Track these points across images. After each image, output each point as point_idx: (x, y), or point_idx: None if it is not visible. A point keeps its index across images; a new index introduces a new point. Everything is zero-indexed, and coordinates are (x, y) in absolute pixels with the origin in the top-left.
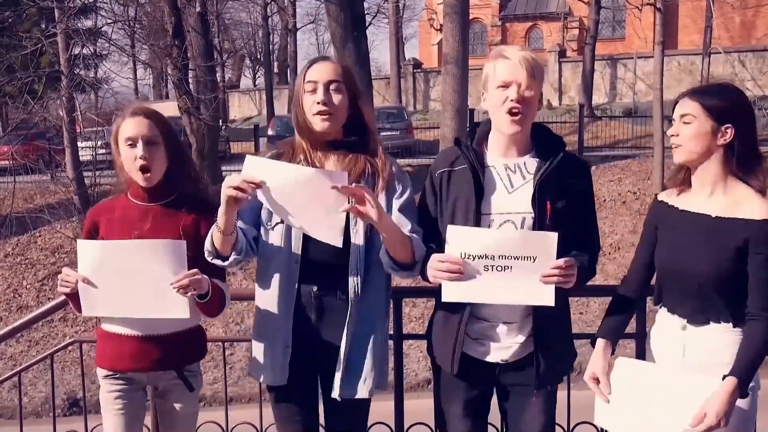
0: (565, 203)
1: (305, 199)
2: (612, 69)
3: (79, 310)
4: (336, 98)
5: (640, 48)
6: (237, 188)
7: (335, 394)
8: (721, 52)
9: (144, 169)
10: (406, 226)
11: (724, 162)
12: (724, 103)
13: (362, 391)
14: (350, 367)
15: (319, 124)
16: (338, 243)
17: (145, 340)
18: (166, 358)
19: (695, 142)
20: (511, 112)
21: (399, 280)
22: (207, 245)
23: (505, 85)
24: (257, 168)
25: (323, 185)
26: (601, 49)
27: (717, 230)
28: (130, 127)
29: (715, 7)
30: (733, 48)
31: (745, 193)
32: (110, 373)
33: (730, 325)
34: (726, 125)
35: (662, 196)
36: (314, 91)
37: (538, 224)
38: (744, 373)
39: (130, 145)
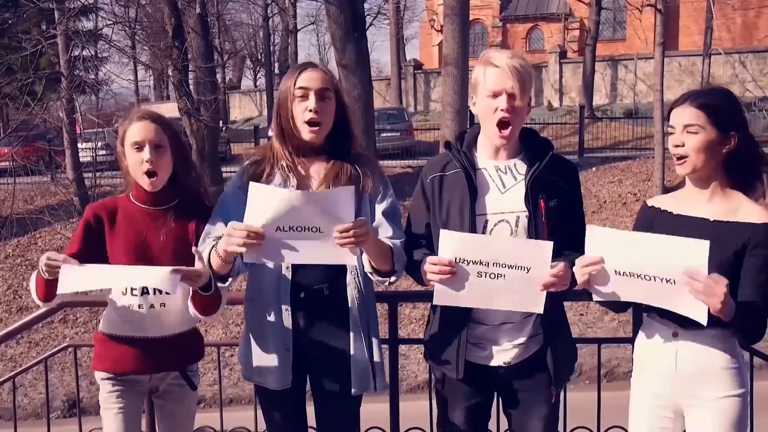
0: (557, 202)
1: (311, 222)
2: (612, 70)
3: (47, 295)
4: (326, 106)
5: (640, 49)
6: (243, 245)
7: (354, 390)
8: (721, 53)
9: (150, 174)
10: (387, 231)
11: (724, 169)
12: (726, 110)
13: (380, 385)
14: (361, 362)
15: (307, 132)
16: (353, 261)
17: (149, 343)
18: (169, 360)
19: (703, 153)
20: (500, 123)
21: (396, 284)
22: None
23: (495, 95)
24: (262, 196)
25: (330, 205)
26: (602, 50)
27: (715, 234)
28: (138, 131)
29: (716, 8)
30: (734, 49)
31: (743, 200)
32: (111, 375)
33: (723, 325)
34: (730, 133)
35: (652, 202)
36: (305, 97)
37: (534, 222)
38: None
39: (137, 149)
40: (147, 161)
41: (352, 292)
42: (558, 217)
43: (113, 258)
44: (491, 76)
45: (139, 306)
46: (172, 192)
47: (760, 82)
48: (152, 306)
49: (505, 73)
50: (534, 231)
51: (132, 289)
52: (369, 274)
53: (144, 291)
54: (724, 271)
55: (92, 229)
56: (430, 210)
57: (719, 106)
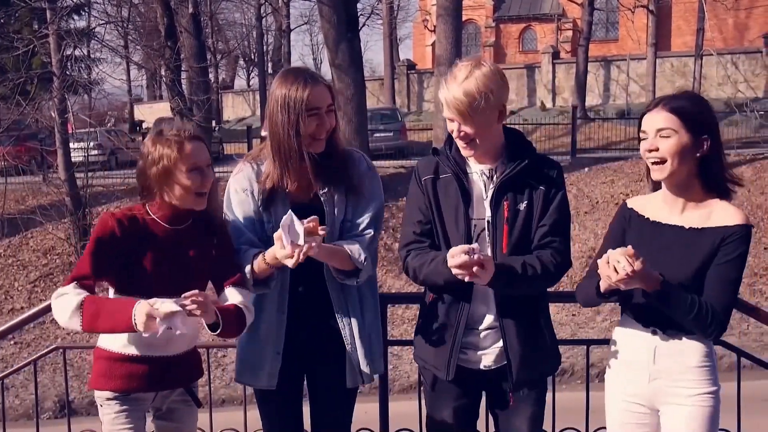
0: (528, 205)
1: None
2: (605, 70)
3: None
4: (331, 121)
5: (633, 49)
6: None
7: (350, 383)
8: (713, 54)
9: (204, 194)
10: (367, 230)
11: (696, 173)
12: (699, 114)
13: (365, 377)
14: (356, 356)
15: (316, 145)
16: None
17: (159, 360)
18: (176, 376)
19: (678, 157)
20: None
21: (388, 286)
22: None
23: (449, 119)
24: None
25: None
26: (595, 51)
27: (691, 241)
28: (197, 153)
29: (708, 9)
30: (726, 50)
31: (717, 203)
32: (117, 394)
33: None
34: (703, 137)
35: (631, 203)
36: (317, 116)
37: (492, 225)
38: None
39: (196, 171)
40: (206, 183)
41: (334, 290)
42: (529, 219)
43: (141, 276)
44: (443, 102)
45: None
46: (194, 210)
47: (752, 83)
48: (168, 327)
49: (449, 105)
50: (494, 235)
51: None
52: (336, 278)
53: None
54: (699, 276)
55: (116, 239)
56: (429, 208)
57: (692, 110)
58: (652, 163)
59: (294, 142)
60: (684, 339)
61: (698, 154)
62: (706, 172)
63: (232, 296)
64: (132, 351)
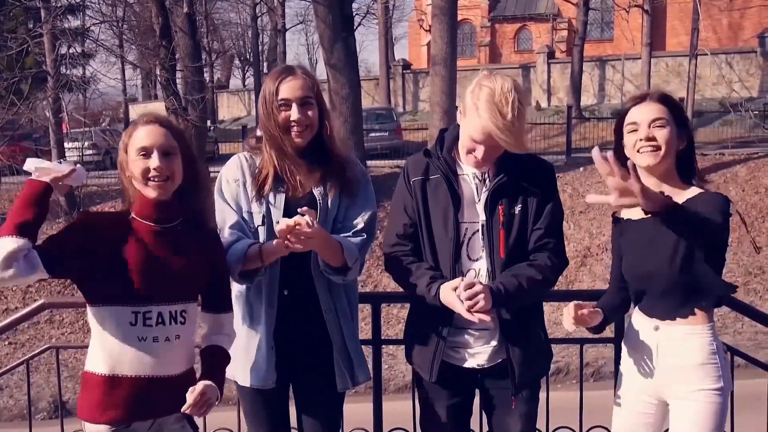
0: (522, 208)
1: None
2: (600, 70)
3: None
4: (308, 113)
5: (628, 49)
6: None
7: (340, 386)
8: (708, 54)
9: (158, 181)
10: (360, 234)
11: (674, 166)
12: (681, 110)
13: (361, 378)
14: (346, 357)
15: (294, 140)
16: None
17: (156, 382)
18: (174, 400)
19: (670, 146)
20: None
21: (383, 285)
22: (238, 271)
23: (475, 142)
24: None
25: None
26: (590, 51)
27: (676, 222)
28: (145, 135)
29: (703, 9)
30: (721, 49)
31: (687, 189)
32: (113, 429)
33: (700, 321)
34: (683, 130)
35: (617, 214)
36: (287, 107)
37: (488, 229)
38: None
39: (143, 155)
40: (155, 169)
41: (322, 291)
42: (525, 223)
43: (119, 276)
44: (476, 125)
45: (155, 339)
46: (179, 207)
47: (746, 83)
48: (167, 339)
49: (488, 134)
50: (490, 239)
51: (146, 318)
52: (325, 273)
53: (159, 320)
54: (684, 254)
55: (86, 233)
56: (415, 211)
57: (676, 104)
58: (649, 151)
59: (275, 135)
60: (684, 337)
61: (680, 147)
62: (681, 166)
63: (216, 324)
64: (133, 371)
